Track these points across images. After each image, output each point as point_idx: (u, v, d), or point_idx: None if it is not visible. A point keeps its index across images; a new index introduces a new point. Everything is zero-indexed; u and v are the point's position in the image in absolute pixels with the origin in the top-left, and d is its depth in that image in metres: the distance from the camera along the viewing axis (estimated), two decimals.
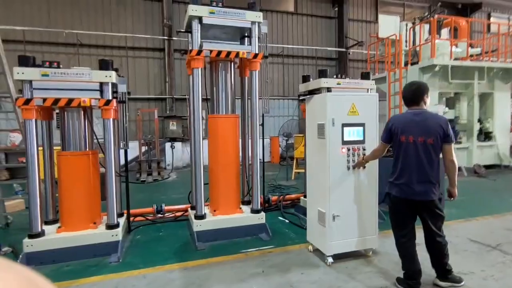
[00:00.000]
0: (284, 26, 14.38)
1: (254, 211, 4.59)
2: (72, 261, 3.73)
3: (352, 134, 3.57)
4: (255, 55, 4.37)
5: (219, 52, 4.26)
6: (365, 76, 5.23)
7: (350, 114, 3.55)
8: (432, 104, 9.58)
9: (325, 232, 3.54)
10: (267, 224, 4.59)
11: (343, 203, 3.57)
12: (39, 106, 3.66)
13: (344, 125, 3.53)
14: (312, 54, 14.91)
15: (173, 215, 5.42)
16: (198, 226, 4.27)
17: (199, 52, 4.14)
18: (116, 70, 4.37)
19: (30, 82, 3.58)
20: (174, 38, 12.18)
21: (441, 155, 2.84)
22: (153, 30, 12.36)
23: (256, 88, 4.48)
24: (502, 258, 3.64)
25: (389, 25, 10.68)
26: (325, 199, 3.53)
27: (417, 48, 10.50)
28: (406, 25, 10.90)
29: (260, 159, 4.67)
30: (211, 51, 4.22)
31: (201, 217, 4.34)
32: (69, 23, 11.21)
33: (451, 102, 10.37)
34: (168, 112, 12.21)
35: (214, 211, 4.57)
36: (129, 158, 10.87)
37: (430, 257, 3.01)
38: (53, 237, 3.79)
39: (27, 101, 3.56)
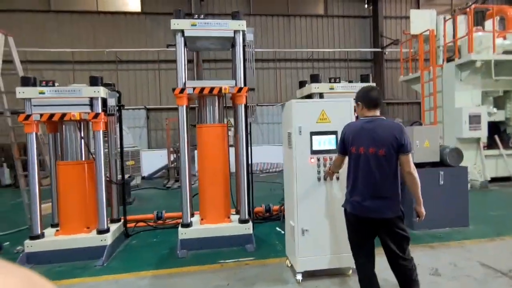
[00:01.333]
0: (313, 30, 14.09)
1: (241, 221, 4.52)
2: (65, 263, 4.05)
3: (322, 143, 3.33)
4: (239, 89, 4.36)
5: (203, 89, 4.33)
6: (364, 78, 4.87)
7: (320, 122, 3.33)
8: (474, 104, 8.52)
9: (295, 247, 3.34)
10: (255, 235, 4.50)
11: (314, 217, 3.34)
12: (38, 121, 4.09)
13: (312, 133, 3.32)
14: (344, 56, 14.33)
15: (174, 221, 5.59)
16: (182, 234, 4.34)
17: (182, 90, 4.24)
18: (109, 85, 4.72)
19: (30, 100, 4.03)
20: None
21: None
22: None
23: (242, 119, 4.49)
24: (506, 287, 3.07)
25: (423, 19, 9.79)
26: (293, 212, 3.35)
27: (456, 43, 9.45)
28: (444, 18, 9.88)
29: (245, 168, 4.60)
30: (194, 88, 4.31)
31: (186, 225, 4.41)
32: (111, 43, 12.36)
33: (500, 102, 9.08)
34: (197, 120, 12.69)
35: (202, 219, 4.61)
36: (160, 166, 11.63)
37: (398, 283, 2.66)
38: (50, 239, 4.18)
39: (27, 117, 4.01)
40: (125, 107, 12.11)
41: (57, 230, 4.34)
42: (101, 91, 4.16)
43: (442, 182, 4.92)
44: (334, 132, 3.34)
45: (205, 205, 4.63)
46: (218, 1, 13.53)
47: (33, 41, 11.67)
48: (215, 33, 4.37)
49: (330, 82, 4.70)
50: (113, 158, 4.76)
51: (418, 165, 4.80)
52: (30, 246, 4.07)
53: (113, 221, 4.81)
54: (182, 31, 4.30)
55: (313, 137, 3.31)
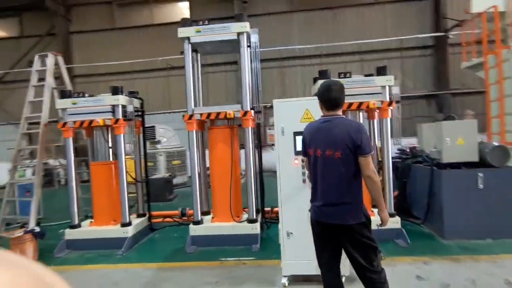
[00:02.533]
0: (361, 20, 13.21)
1: (249, 221, 4.58)
2: (95, 250, 4.65)
3: None
4: (245, 113, 4.45)
5: (209, 114, 4.55)
6: (380, 71, 4.45)
7: (304, 121, 3.18)
8: None
9: (281, 250, 3.28)
10: (267, 235, 4.55)
11: (299, 220, 3.22)
12: (73, 127, 4.76)
13: (296, 133, 3.19)
14: (398, 45, 13.10)
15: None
16: (193, 231, 4.59)
17: (191, 117, 4.51)
18: (132, 92, 5.21)
19: (65, 109, 4.72)
20: None
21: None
22: None
23: (249, 141, 4.61)
24: None
25: None
26: (279, 214, 3.28)
27: None
28: None
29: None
30: (201, 114, 4.53)
31: (197, 222, 4.64)
32: (162, 51, 13.46)
33: None
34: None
35: (213, 218, 4.80)
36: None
37: None
38: (85, 229, 4.84)
39: (64, 124, 4.71)
40: (175, 111, 13.06)
41: (91, 222, 5.00)
42: (120, 99, 4.64)
43: (481, 186, 4.22)
44: None
45: (215, 204, 4.81)
46: (262, 2, 13.63)
47: (101, 56, 13.45)
48: (218, 37, 4.50)
49: (339, 77, 4.42)
50: (136, 158, 5.25)
51: (451, 166, 4.26)
52: (69, 234, 4.78)
53: (139, 215, 5.32)
54: (189, 38, 4.53)
55: (297, 137, 3.19)
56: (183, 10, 14.03)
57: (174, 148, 10.64)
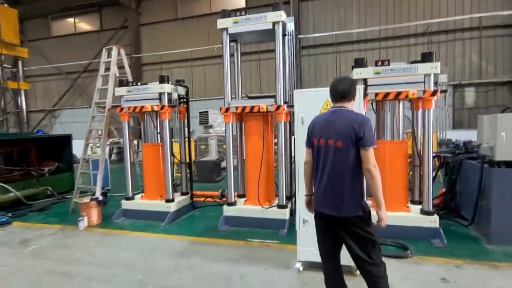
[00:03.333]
0: None
1: (279, 207, 4.73)
2: (144, 220, 5.32)
3: None
4: (278, 107, 4.54)
5: (244, 108, 4.74)
6: (425, 57, 4.09)
7: (324, 111, 3.17)
8: None
9: (297, 237, 3.39)
10: (288, 221, 4.63)
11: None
12: (128, 112, 5.42)
13: None
14: (476, 24, 11.49)
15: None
16: (226, 211, 4.94)
17: (227, 110, 4.77)
18: (179, 81, 5.67)
19: (122, 96, 5.38)
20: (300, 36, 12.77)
21: None
22: None
23: (282, 132, 4.69)
24: None
25: None
26: (296, 202, 3.38)
27: None
28: None
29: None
30: (236, 107, 4.74)
31: (231, 204, 4.97)
32: (219, 40, 13.99)
33: None
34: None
35: (245, 200, 5.07)
36: None
37: None
38: (137, 201, 5.55)
39: (121, 109, 5.39)
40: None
41: (142, 196, 5.70)
42: (166, 88, 5.12)
43: None
44: None
45: (248, 188, 5.06)
46: None
47: (165, 45, 14.57)
48: (254, 27, 4.61)
49: (376, 65, 4.19)
50: (180, 142, 5.76)
51: (508, 165, 3.80)
52: (125, 204, 5.54)
53: (182, 194, 5.88)
54: (227, 29, 4.73)
55: None
56: None
57: (221, 133, 11.15)
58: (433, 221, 4.11)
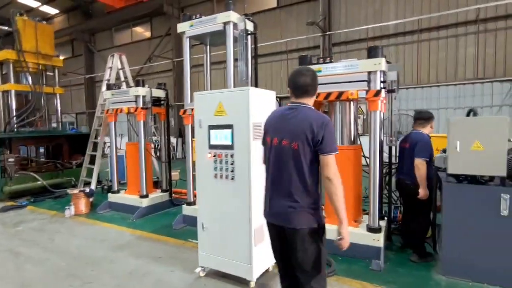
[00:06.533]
0: None
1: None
2: (123, 212, 5.79)
3: (218, 137, 3.08)
4: None
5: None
6: (371, 52, 3.58)
7: (216, 115, 3.08)
8: None
9: (198, 241, 3.35)
10: None
11: (211, 215, 3.19)
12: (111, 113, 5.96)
13: (210, 127, 3.13)
14: None
15: None
16: (184, 210, 5.07)
17: (185, 112, 4.84)
18: (160, 84, 6.00)
19: (108, 99, 5.94)
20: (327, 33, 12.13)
21: None
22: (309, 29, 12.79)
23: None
24: None
25: None
26: (198, 205, 3.33)
27: None
28: None
29: None
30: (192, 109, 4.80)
31: (189, 203, 5.09)
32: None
33: None
34: None
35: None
36: None
37: None
38: (120, 195, 6.06)
39: (107, 111, 5.95)
40: None
41: (125, 190, 6.20)
42: (139, 91, 5.49)
43: (505, 213, 2.94)
44: (230, 126, 3.01)
45: None
46: None
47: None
48: (208, 29, 4.63)
49: (319, 62, 3.82)
50: (161, 142, 6.10)
51: (459, 179, 3.14)
52: (110, 197, 6.11)
53: (163, 191, 6.20)
54: (185, 33, 4.85)
55: (211, 131, 3.13)
56: None
57: None
58: (377, 239, 3.59)
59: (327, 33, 12.15)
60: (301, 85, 2.07)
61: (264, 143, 2.22)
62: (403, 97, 11.15)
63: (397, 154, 4.00)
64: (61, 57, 22.85)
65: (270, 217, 2.14)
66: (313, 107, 2.10)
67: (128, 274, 3.44)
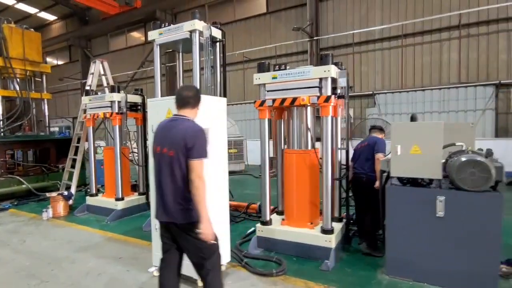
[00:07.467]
0: None
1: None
2: (99, 215, 5.94)
3: None
4: None
5: None
6: (322, 60, 3.73)
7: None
8: None
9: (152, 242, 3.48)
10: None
11: None
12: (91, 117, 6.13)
13: None
14: None
15: None
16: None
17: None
18: (137, 90, 6.15)
19: (86, 104, 6.11)
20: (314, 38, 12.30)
21: None
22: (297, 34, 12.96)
23: None
24: None
25: None
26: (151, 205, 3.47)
27: None
28: None
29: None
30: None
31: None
32: (241, 45, 14.34)
33: None
34: None
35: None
36: None
37: None
38: (98, 198, 6.21)
39: (85, 116, 6.12)
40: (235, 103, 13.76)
41: (102, 194, 6.35)
42: (114, 96, 5.66)
43: (441, 214, 3.05)
44: None
45: None
46: None
47: None
48: (174, 37, 4.79)
49: (274, 69, 3.96)
50: (138, 146, 6.24)
51: (403, 181, 3.26)
52: (88, 200, 6.26)
53: (140, 194, 6.34)
54: (155, 41, 5.01)
55: None
56: (262, 3, 14.37)
57: (231, 138, 11.43)
58: (328, 240, 3.70)
59: (315, 38, 12.32)
60: (183, 97, 2.39)
61: (152, 151, 2.46)
62: (389, 101, 11.26)
63: (351, 157, 4.15)
64: (59, 63, 23.12)
65: (158, 215, 2.40)
66: (191, 119, 2.38)
67: (85, 273, 3.57)
